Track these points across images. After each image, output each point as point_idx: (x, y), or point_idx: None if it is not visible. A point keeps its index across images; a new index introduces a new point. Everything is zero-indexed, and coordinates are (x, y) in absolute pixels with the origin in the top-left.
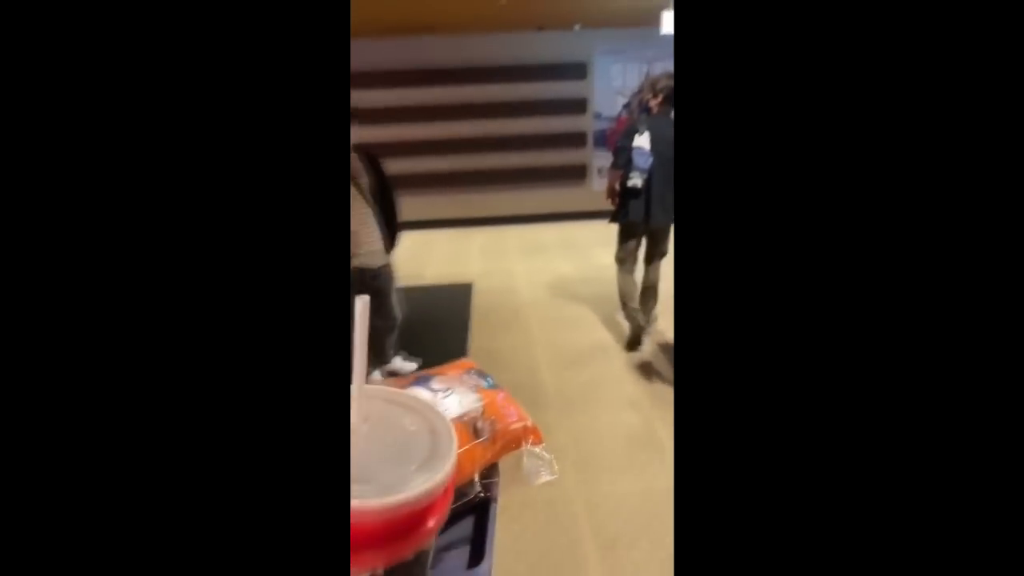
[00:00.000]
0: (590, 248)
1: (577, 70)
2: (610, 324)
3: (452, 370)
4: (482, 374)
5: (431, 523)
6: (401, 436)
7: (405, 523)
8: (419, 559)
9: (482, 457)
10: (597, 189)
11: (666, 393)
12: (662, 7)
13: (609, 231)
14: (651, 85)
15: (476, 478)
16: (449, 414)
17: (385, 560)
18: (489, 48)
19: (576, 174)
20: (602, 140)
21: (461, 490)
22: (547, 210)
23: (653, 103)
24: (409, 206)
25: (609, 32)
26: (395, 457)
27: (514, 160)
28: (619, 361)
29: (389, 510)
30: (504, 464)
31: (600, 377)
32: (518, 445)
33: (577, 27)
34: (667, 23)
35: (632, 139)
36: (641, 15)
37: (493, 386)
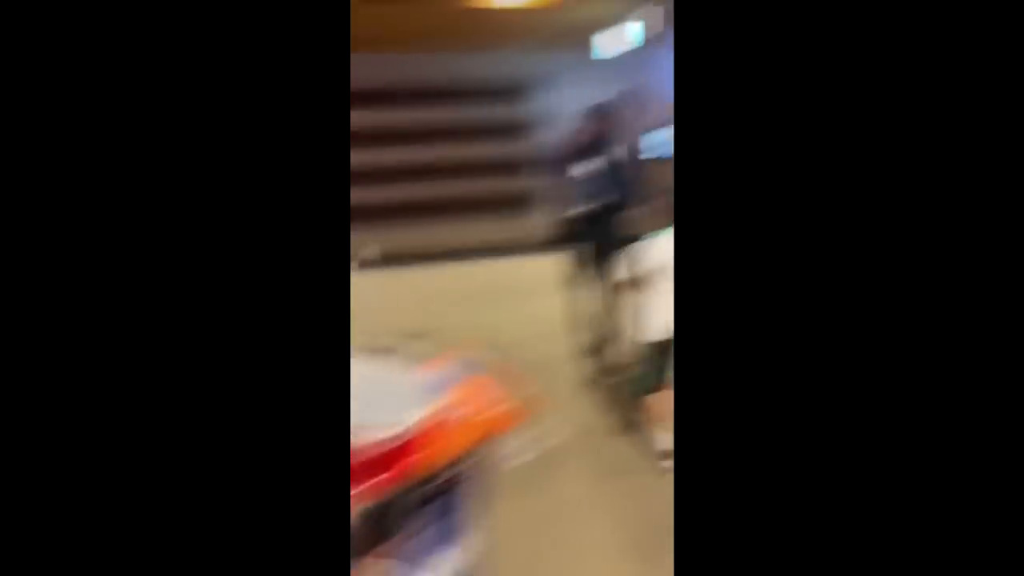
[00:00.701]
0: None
1: (511, 93)
2: None
3: (443, 358)
4: (469, 361)
5: (395, 468)
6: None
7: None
8: (395, 502)
9: (475, 436)
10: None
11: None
12: (599, 27)
13: (551, 271)
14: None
15: (462, 458)
16: (433, 396)
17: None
18: (411, 68)
19: (512, 204)
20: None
21: (446, 469)
22: (480, 244)
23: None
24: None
25: (544, 56)
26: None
27: (439, 190)
28: None
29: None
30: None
31: None
32: (507, 425)
33: (510, 48)
34: (602, 46)
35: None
36: (577, 37)
37: (480, 370)
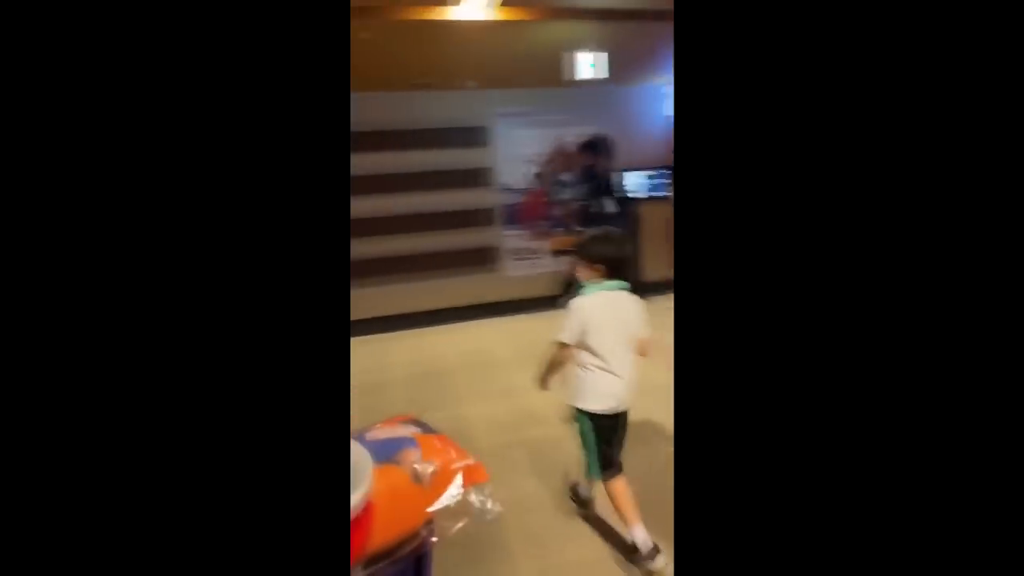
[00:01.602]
0: (507, 372)
1: (475, 135)
2: None
3: (388, 424)
4: (418, 422)
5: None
6: None
7: None
8: None
9: (426, 503)
10: (511, 274)
11: None
12: (564, 64)
13: (528, 338)
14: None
15: (421, 526)
16: (382, 458)
17: None
18: (366, 109)
19: (482, 259)
20: (513, 217)
21: (407, 539)
22: (446, 304)
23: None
24: None
25: (510, 93)
26: None
27: (399, 245)
28: None
29: None
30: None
31: None
32: (462, 485)
33: (472, 85)
34: (581, 68)
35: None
36: (545, 73)
37: (431, 431)
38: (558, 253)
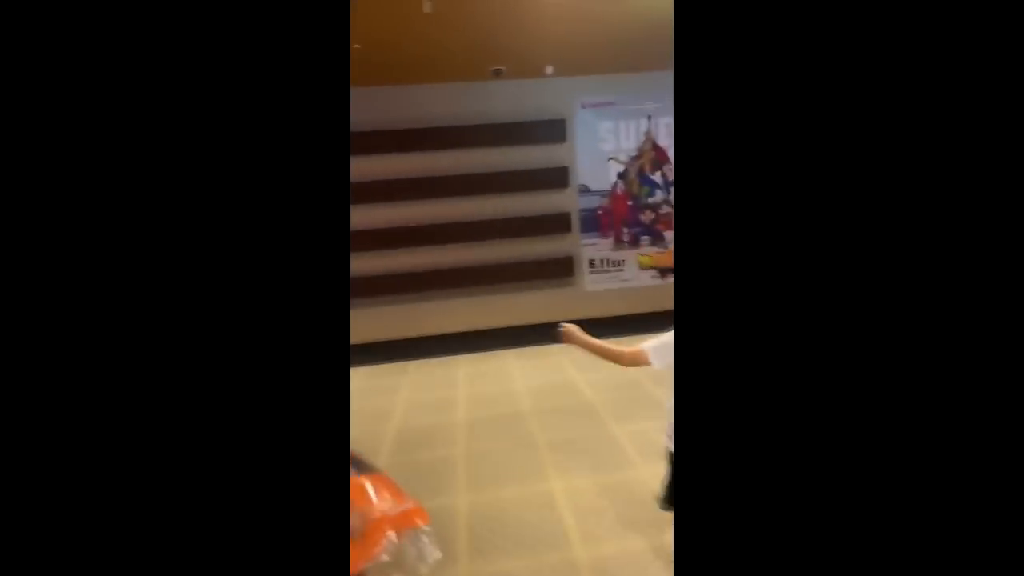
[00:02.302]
0: (596, 411)
1: (552, 130)
2: None
3: None
4: (354, 460)
5: None
6: None
7: None
8: None
9: (357, 555)
10: (589, 289)
11: None
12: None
13: (609, 371)
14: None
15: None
16: None
17: None
18: (426, 103)
19: (558, 271)
20: (592, 223)
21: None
22: (517, 321)
23: None
24: None
25: (593, 80)
26: None
27: (464, 255)
28: None
29: None
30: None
31: None
32: (397, 534)
33: (549, 70)
34: None
35: None
36: (634, 58)
37: (366, 470)
38: (648, 268)
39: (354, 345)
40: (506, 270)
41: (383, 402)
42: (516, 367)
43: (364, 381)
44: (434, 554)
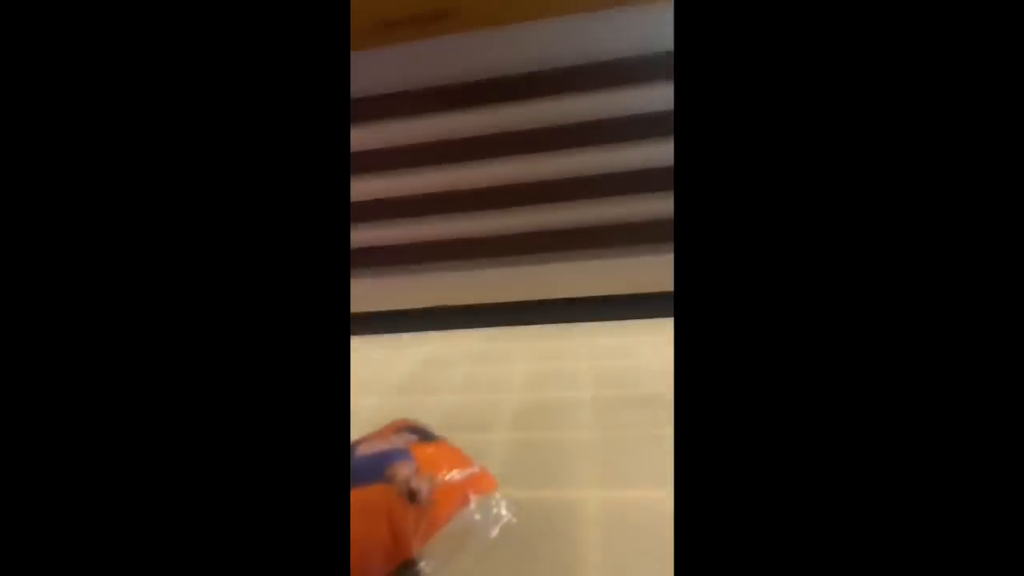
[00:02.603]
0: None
1: (660, 66)
2: None
3: (380, 433)
4: (415, 428)
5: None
6: None
7: None
8: None
9: (425, 523)
10: None
11: None
12: None
13: None
14: None
15: (418, 554)
16: (371, 477)
17: None
18: (531, 43)
19: (663, 234)
20: None
21: (404, 570)
22: (616, 291)
23: None
24: (392, 291)
25: None
26: None
27: (558, 216)
28: None
29: None
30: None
31: None
32: (466, 499)
33: None
34: None
35: None
36: None
37: (429, 438)
38: None
39: (457, 307)
40: (599, 233)
41: (499, 372)
42: (644, 343)
43: (479, 344)
44: (506, 518)
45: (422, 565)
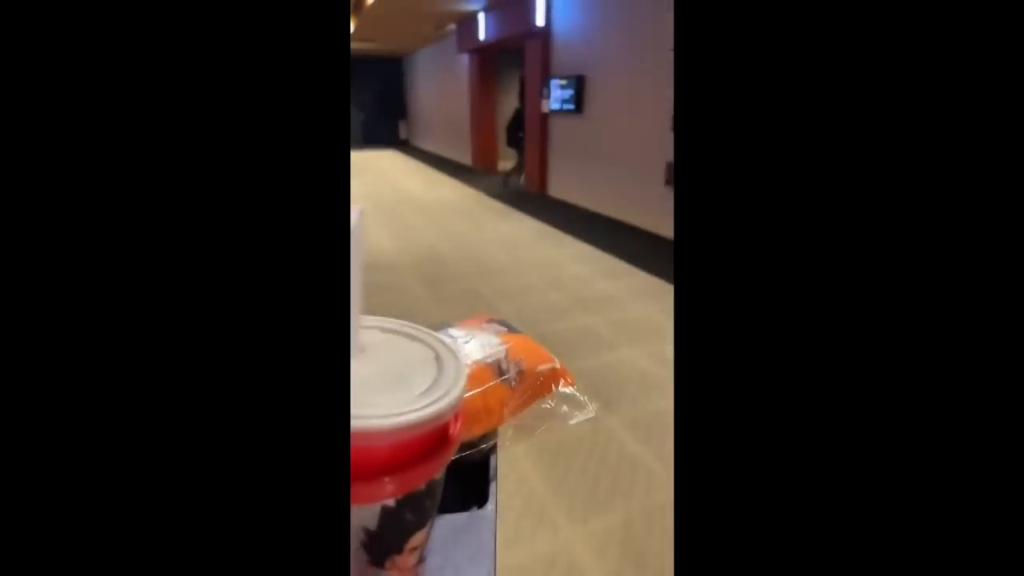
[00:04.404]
0: None
1: None
2: None
3: (471, 322)
4: (503, 323)
5: (443, 450)
6: (402, 364)
7: (415, 449)
8: (431, 490)
9: (511, 399)
10: None
11: None
12: None
13: None
14: None
15: (504, 426)
16: (470, 357)
17: (395, 489)
18: None
19: None
20: None
21: (489, 434)
22: None
23: None
24: None
25: None
26: (396, 384)
27: None
28: None
29: (397, 433)
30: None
31: None
32: (548, 389)
33: None
34: None
35: None
36: None
37: (515, 331)
38: None
39: None
40: None
41: None
42: None
43: None
44: (588, 409)
45: (508, 434)
